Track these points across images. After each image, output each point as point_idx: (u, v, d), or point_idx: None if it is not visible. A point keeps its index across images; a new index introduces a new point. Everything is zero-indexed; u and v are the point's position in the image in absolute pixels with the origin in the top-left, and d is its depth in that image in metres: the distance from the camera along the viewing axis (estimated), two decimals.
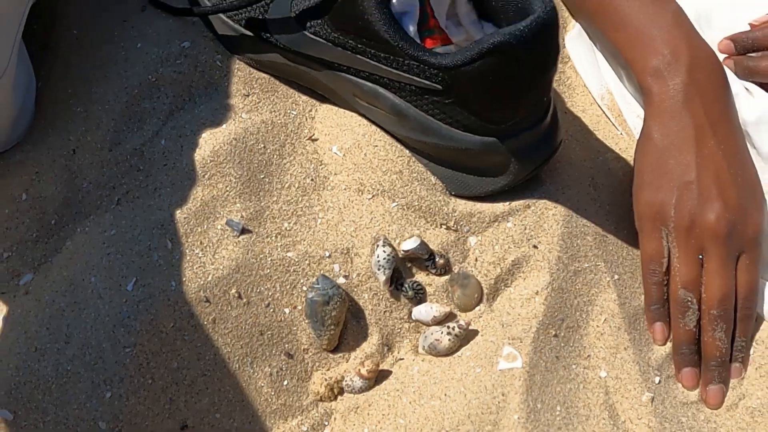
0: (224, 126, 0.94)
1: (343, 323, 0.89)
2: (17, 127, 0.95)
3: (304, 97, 0.99)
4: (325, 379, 0.88)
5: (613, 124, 1.03)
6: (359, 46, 0.88)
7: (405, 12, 0.90)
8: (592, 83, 1.07)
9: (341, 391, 0.89)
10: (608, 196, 0.99)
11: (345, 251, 0.90)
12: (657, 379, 0.91)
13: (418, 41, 0.89)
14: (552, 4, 0.82)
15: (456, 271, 0.91)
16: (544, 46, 0.84)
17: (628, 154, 1.01)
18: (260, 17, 0.95)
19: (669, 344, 0.93)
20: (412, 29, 0.90)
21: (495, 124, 0.88)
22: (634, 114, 1.01)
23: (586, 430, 0.87)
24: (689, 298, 0.91)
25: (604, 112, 1.05)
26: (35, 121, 0.98)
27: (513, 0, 0.87)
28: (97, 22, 1.04)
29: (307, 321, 0.89)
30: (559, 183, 0.96)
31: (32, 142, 0.96)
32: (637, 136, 0.99)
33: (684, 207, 0.90)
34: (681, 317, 0.91)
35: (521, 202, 0.93)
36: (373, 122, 0.96)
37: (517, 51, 0.81)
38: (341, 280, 0.90)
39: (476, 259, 0.92)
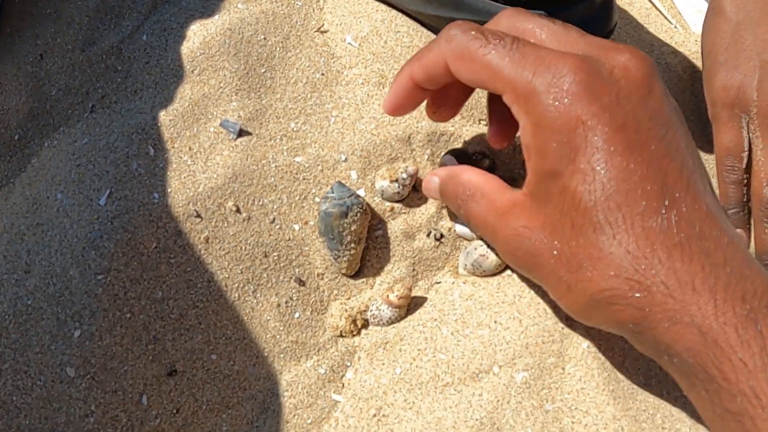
0: (216, 17, 0.65)
1: (365, 241, 0.62)
2: None
3: None
4: (346, 310, 0.60)
5: (665, 17, 0.76)
6: None
7: None
8: None
9: (366, 324, 0.61)
10: (669, 91, 0.72)
11: (365, 154, 0.63)
12: None
13: None
14: None
15: (502, 174, 0.64)
16: None
17: (686, 49, 0.74)
18: None
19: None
20: None
21: None
22: (690, 5, 0.75)
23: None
24: None
25: (653, 5, 0.77)
26: (1, 30, 0.71)
27: None
28: None
29: (321, 239, 0.61)
30: None
31: None
32: (695, 29, 0.73)
33: None
34: (765, 221, 0.63)
35: None
36: (394, 6, 0.68)
37: None
38: (361, 192, 0.63)
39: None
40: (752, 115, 0.64)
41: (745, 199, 0.65)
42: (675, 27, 0.76)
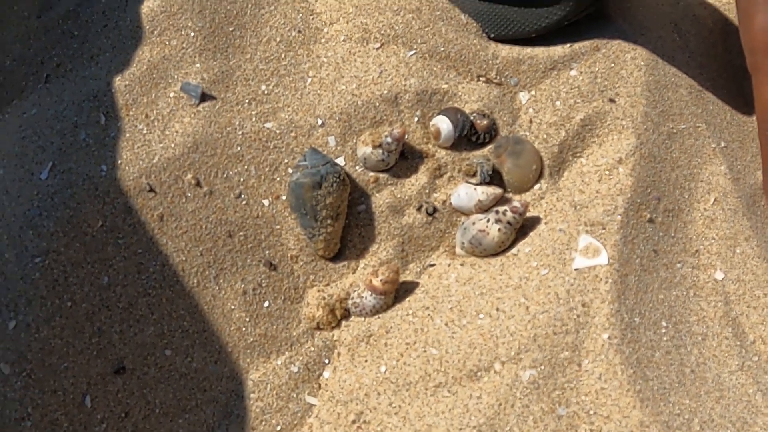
0: None
1: (344, 217, 0.48)
2: None
3: None
4: (324, 298, 0.47)
5: None
6: None
7: None
8: None
9: (346, 314, 0.47)
10: (698, 46, 0.56)
11: (345, 117, 0.49)
12: None
13: None
14: None
15: (504, 136, 0.51)
16: None
17: (716, 0, 0.61)
18: None
19: None
20: None
21: None
22: None
23: (705, 355, 0.45)
24: None
25: None
26: None
27: None
28: None
29: (293, 216, 0.48)
30: (634, 23, 0.53)
31: None
32: None
33: None
34: None
35: (587, 43, 0.51)
36: None
37: None
38: (340, 160, 0.50)
39: (530, 121, 0.49)
40: None
41: None
42: None
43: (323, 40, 0.52)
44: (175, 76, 0.49)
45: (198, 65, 0.50)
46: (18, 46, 0.54)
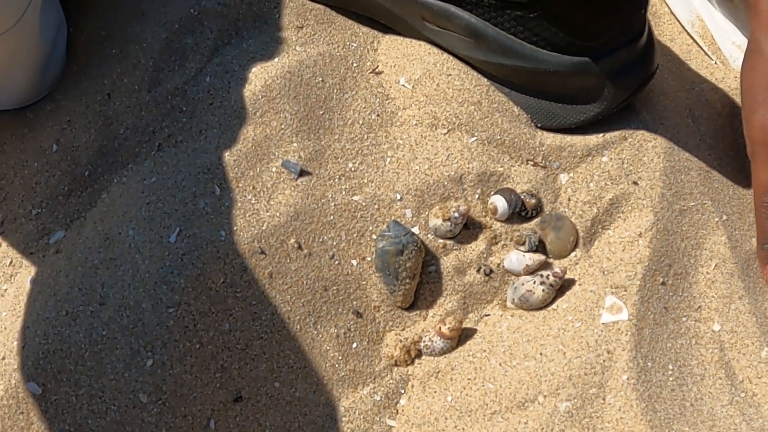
0: (276, 60, 0.71)
1: (419, 276, 0.68)
2: (48, 74, 0.74)
3: (365, 28, 0.76)
4: (401, 340, 0.67)
5: (706, 53, 0.81)
6: None
7: None
8: (680, 10, 0.84)
9: (419, 354, 0.67)
10: (708, 129, 0.76)
11: (419, 193, 0.68)
12: None
13: None
14: None
15: (548, 212, 0.70)
16: None
17: (726, 85, 0.79)
18: None
19: None
20: None
21: (587, 40, 0.66)
22: (729, 41, 0.79)
23: (702, 392, 0.65)
24: None
25: (695, 41, 0.82)
26: (67, 68, 0.76)
27: None
28: None
29: (377, 274, 0.67)
30: (655, 114, 0.73)
31: (64, 90, 0.74)
32: (734, 65, 0.78)
33: None
34: None
35: (616, 133, 0.71)
36: (445, 49, 0.73)
37: None
38: (415, 229, 0.69)
39: (569, 199, 0.69)
40: None
41: None
42: (715, 63, 0.81)
43: (398, 123, 0.70)
44: (276, 154, 0.68)
45: (295, 144, 0.68)
46: (130, 116, 0.72)
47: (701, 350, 0.67)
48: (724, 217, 0.71)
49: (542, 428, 0.62)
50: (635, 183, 0.70)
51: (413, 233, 0.66)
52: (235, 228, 0.65)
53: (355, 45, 0.74)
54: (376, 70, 0.73)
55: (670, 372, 0.65)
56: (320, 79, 0.71)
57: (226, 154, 0.68)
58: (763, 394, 0.66)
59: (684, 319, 0.67)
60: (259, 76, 0.70)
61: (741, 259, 0.70)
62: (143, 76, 0.73)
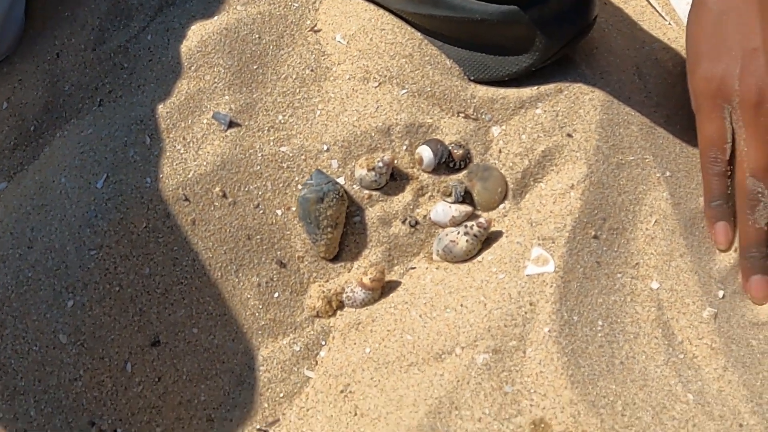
0: (216, 18, 0.72)
1: (342, 226, 0.66)
2: (5, 38, 0.77)
3: None
4: (323, 291, 0.66)
5: (660, 14, 0.79)
6: None
7: None
8: None
9: (341, 305, 0.66)
10: (657, 87, 0.74)
11: (346, 144, 0.68)
12: (721, 293, 0.65)
13: None
14: None
15: (475, 163, 0.68)
16: None
17: (679, 45, 0.76)
18: None
19: (735, 252, 0.68)
20: None
21: None
22: (684, 1, 0.77)
23: (635, 350, 0.62)
24: (759, 189, 0.65)
25: (649, 2, 0.81)
26: (25, 32, 0.78)
27: None
28: None
29: (300, 224, 0.67)
30: (596, 68, 0.71)
31: (20, 54, 0.77)
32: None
33: (750, 78, 0.64)
34: (750, 213, 0.65)
35: (551, 85, 0.69)
36: (382, 6, 0.73)
37: None
38: (341, 180, 0.68)
39: (500, 151, 0.68)
40: (734, 105, 0.66)
41: (729, 191, 0.67)
42: (669, 23, 0.78)
43: (331, 78, 0.70)
44: (208, 106, 0.69)
45: (227, 97, 0.69)
46: (76, 74, 0.74)
47: (636, 308, 0.64)
48: (668, 173, 0.68)
49: (458, 380, 0.60)
50: (569, 135, 0.67)
51: (335, 182, 0.65)
52: (161, 176, 0.66)
53: (297, 5, 0.75)
54: (315, 27, 0.73)
55: (599, 328, 0.62)
56: (257, 35, 0.72)
57: (160, 106, 0.69)
58: (704, 356, 0.63)
59: (619, 275, 0.64)
60: (197, 33, 0.71)
61: (685, 216, 0.67)
62: (89, 35, 0.75)
